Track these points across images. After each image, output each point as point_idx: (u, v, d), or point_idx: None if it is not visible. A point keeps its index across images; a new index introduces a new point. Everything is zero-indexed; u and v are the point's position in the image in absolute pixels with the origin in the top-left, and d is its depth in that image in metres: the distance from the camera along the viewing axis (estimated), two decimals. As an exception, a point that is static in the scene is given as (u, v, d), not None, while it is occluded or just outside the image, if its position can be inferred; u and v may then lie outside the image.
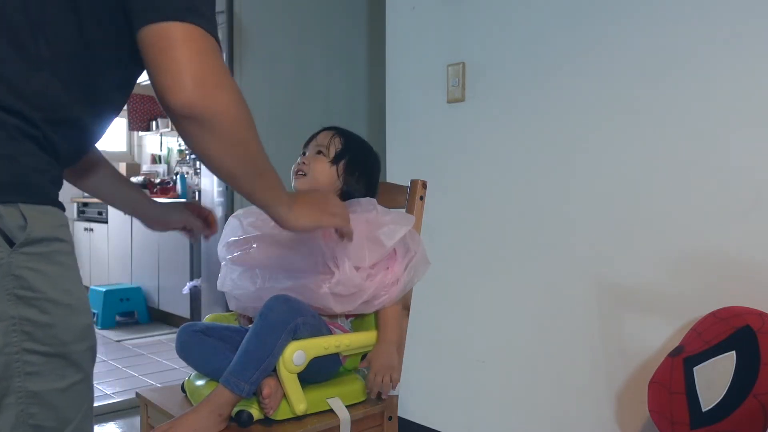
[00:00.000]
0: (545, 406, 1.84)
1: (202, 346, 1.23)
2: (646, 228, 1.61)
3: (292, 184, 1.35)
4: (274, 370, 1.12)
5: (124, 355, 3.53)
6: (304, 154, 1.37)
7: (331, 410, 1.21)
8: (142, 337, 3.92)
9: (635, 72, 1.63)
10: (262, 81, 3.03)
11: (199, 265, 3.69)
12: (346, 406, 1.22)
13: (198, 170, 4.34)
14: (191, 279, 3.79)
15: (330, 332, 1.24)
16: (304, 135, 1.42)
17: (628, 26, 1.65)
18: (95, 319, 4.22)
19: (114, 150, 5.61)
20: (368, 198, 1.33)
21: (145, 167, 5.52)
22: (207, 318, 1.42)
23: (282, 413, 1.15)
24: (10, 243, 0.77)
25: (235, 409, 1.12)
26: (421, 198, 1.38)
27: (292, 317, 1.12)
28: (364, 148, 1.39)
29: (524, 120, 1.88)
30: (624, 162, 1.66)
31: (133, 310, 4.32)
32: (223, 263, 1.35)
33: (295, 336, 1.13)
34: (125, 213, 1.36)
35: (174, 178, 4.90)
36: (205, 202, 3.46)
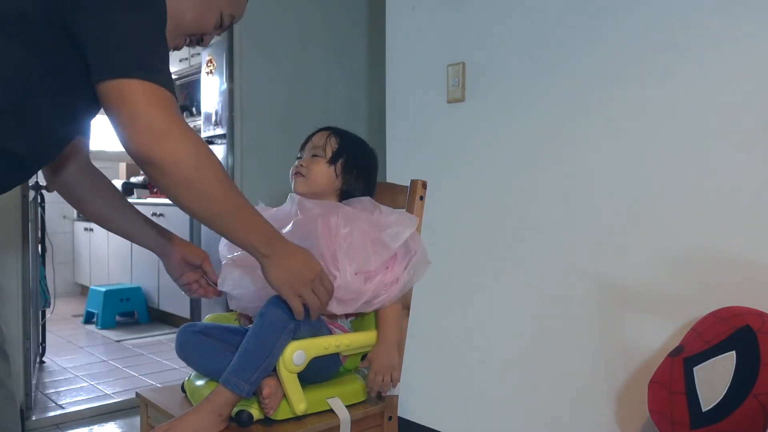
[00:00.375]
0: (545, 406, 1.84)
1: (202, 346, 1.23)
2: (646, 228, 1.61)
3: (292, 186, 1.36)
4: (274, 370, 1.12)
5: (124, 355, 3.53)
6: (300, 157, 1.37)
7: (331, 410, 1.21)
8: (142, 337, 3.92)
9: (635, 72, 1.63)
10: (262, 81, 3.03)
11: (199, 265, 3.68)
12: (346, 406, 1.22)
13: (198, 170, 4.33)
14: (191, 279, 3.78)
15: (330, 332, 1.24)
16: (304, 135, 1.42)
17: (628, 26, 1.65)
18: (95, 319, 4.22)
19: (114, 150, 5.60)
20: (368, 198, 1.34)
21: (145, 167, 5.51)
22: (207, 318, 1.42)
23: (282, 413, 1.15)
24: None
25: (235, 409, 1.12)
26: (421, 198, 1.38)
27: (291, 317, 1.12)
28: (360, 146, 1.39)
29: (524, 120, 1.88)
30: (624, 162, 1.66)
31: (133, 310, 4.32)
32: (223, 263, 1.35)
33: (295, 336, 1.13)
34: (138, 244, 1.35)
35: (174, 178, 4.89)
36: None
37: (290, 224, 1.29)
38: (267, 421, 1.14)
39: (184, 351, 1.26)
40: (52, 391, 2.84)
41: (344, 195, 1.35)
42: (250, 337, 1.12)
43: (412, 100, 2.21)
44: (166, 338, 3.89)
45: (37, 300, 2.82)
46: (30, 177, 1.10)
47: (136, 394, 1.36)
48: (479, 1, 2.00)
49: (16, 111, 0.95)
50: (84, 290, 5.13)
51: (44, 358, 3.33)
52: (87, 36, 0.91)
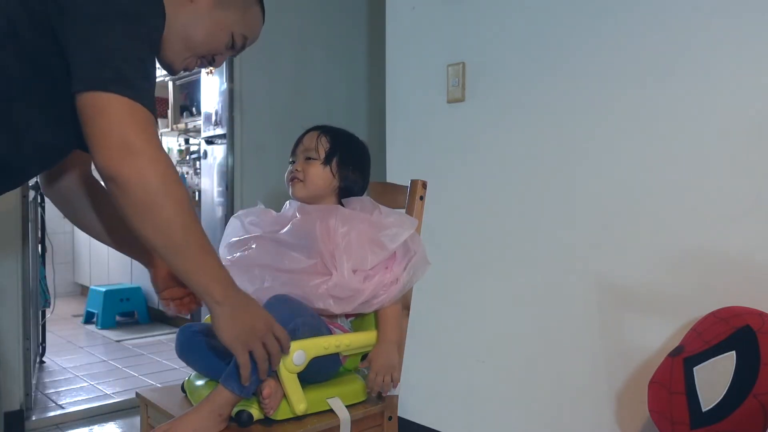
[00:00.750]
0: (545, 406, 1.84)
1: (202, 346, 1.23)
2: (646, 228, 1.61)
3: (289, 192, 1.35)
4: (275, 370, 1.12)
5: (124, 355, 3.53)
6: (293, 161, 1.36)
7: (331, 410, 1.21)
8: (142, 337, 3.92)
9: (635, 71, 1.63)
10: (262, 81, 3.03)
11: (199, 265, 3.68)
12: (346, 406, 1.22)
13: (198, 170, 4.33)
14: (191, 279, 3.78)
15: (330, 332, 1.24)
16: (305, 135, 1.42)
17: (628, 26, 1.65)
18: (95, 319, 4.22)
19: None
20: (368, 198, 1.34)
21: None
22: (207, 318, 1.42)
23: (282, 413, 1.15)
24: None
25: (235, 409, 1.12)
26: (421, 198, 1.38)
27: (291, 317, 1.12)
28: (351, 140, 1.39)
29: (524, 120, 1.88)
30: (624, 162, 1.66)
31: (133, 310, 4.31)
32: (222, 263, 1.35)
33: (295, 336, 1.13)
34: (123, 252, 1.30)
35: (174, 178, 4.89)
36: (205, 201, 3.47)
37: (288, 225, 1.29)
38: (267, 421, 1.14)
39: (183, 351, 1.26)
40: (52, 391, 2.84)
41: (343, 192, 1.35)
42: None
43: (412, 100, 2.21)
44: (166, 338, 3.89)
45: (37, 300, 2.82)
46: (17, 186, 1.07)
47: (136, 394, 1.36)
48: (479, 1, 2.00)
49: (0, 116, 0.94)
50: (84, 290, 5.13)
51: (44, 358, 3.33)
52: (72, 43, 0.90)
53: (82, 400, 2.71)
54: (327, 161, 1.32)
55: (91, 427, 2.46)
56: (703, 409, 1.26)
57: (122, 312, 4.26)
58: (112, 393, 2.80)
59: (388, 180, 2.21)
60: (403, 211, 1.37)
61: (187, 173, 4.85)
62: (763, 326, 1.27)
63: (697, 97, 1.52)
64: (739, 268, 1.46)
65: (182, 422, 1.07)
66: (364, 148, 1.40)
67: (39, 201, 2.94)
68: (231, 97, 3.00)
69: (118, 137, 0.86)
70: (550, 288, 1.82)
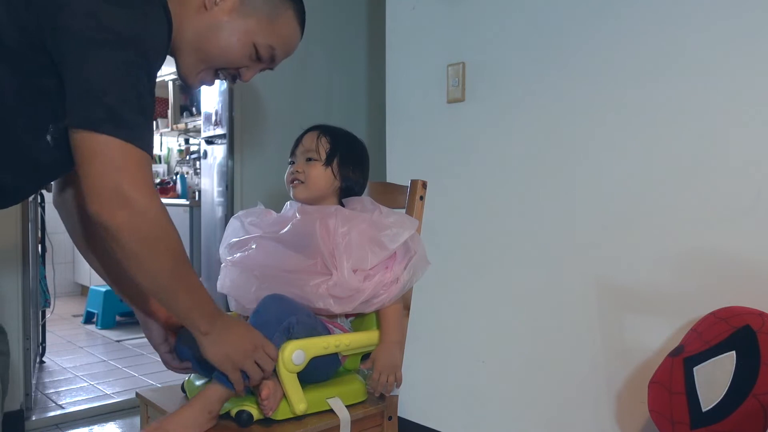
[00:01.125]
0: (545, 406, 1.84)
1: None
2: (647, 228, 1.61)
3: (290, 194, 1.34)
4: (274, 371, 1.12)
5: (124, 355, 3.53)
6: (292, 162, 1.35)
7: (331, 410, 1.21)
8: (142, 337, 3.88)
9: (635, 71, 1.63)
10: (262, 81, 3.03)
11: (199, 265, 3.69)
12: (346, 406, 1.22)
13: (198, 170, 4.33)
14: (191, 279, 3.78)
15: (328, 332, 1.24)
16: (305, 135, 1.41)
17: (628, 26, 1.65)
18: (95, 319, 4.22)
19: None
20: (368, 198, 1.34)
21: (145, 167, 5.51)
22: None
23: (282, 413, 1.15)
24: None
25: (235, 409, 1.12)
26: (421, 198, 1.38)
27: (285, 315, 1.12)
28: (351, 140, 1.38)
29: (524, 120, 1.88)
30: (624, 162, 1.66)
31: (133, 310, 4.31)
32: (222, 265, 1.35)
33: (290, 335, 1.13)
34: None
35: (174, 178, 4.91)
36: (205, 201, 3.47)
37: (288, 225, 1.29)
38: (267, 421, 1.14)
39: (182, 352, 1.26)
40: (52, 391, 2.84)
41: (344, 192, 1.35)
42: None
43: (412, 100, 2.21)
44: (166, 338, 3.89)
45: (37, 300, 2.82)
46: (14, 204, 1.05)
47: (136, 394, 1.36)
48: (479, 1, 2.00)
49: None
50: (84, 290, 5.13)
51: (44, 358, 3.33)
52: (65, 67, 0.85)
53: (82, 400, 2.71)
54: (328, 162, 1.32)
55: (91, 427, 2.46)
56: (703, 409, 1.26)
57: (122, 312, 4.26)
58: (112, 393, 2.80)
59: (388, 180, 2.21)
60: (403, 211, 1.37)
61: (187, 173, 4.86)
62: (763, 326, 1.27)
63: (698, 97, 1.52)
64: (739, 268, 1.46)
65: (173, 419, 1.06)
66: (363, 147, 1.40)
67: (39, 201, 2.94)
68: (231, 97, 3.00)
69: (110, 185, 0.84)
70: (550, 288, 1.82)
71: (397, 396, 1.32)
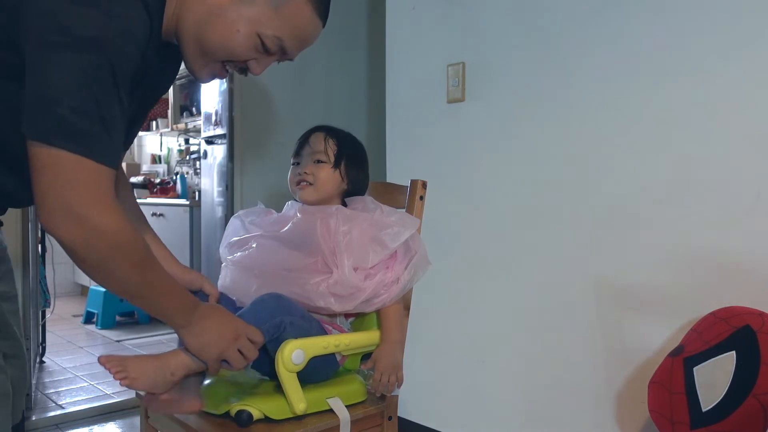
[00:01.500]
0: (545, 406, 1.84)
1: None
2: (647, 228, 1.61)
3: (297, 196, 1.34)
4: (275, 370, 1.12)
5: (124, 355, 3.52)
6: (297, 163, 1.34)
7: (331, 410, 1.21)
8: (142, 337, 3.91)
9: (635, 72, 1.63)
10: (262, 81, 3.03)
11: (199, 265, 3.69)
12: (346, 406, 1.22)
13: (198, 170, 4.33)
14: (191, 279, 3.78)
15: (324, 332, 1.24)
16: (305, 135, 1.41)
17: (629, 26, 1.64)
18: (95, 319, 4.22)
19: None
20: (370, 197, 1.34)
21: (145, 167, 5.52)
22: None
23: (282, 413, 1.15)
24: None
25: (235, 409, 1.12)
26: (421, 198, 1.38)
27: (279, 313, 1.12)
28: (353, 141, 1.38)
29: (524, 120, 1.88)
30: (624, 161, 1.66)
31: (133, 310, 4.31)
32: (223, 264, 1.35)
33: (280, 335, 1.13)
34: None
35: (174, 178, 4.90)
36: (205, 201, 3.47)
37: (289, 224, 1.29)
38: (267, 420, 1.14)
39: None
40: (52, 391, 2.83)
41: (348, 194, 1.35)
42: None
43: (412, 100, 2.21)
44: (166, 338, 3.89)
45: (37, 300, 2.82)
46: (23, 206, 1.04)
47: (136, 394, 1.36)
48: (479, 1, 1.99)
49: None
50: (84, 290, 5.13)
51: (44, 358, 3.33)
52: (27, 70, 0.79)
53: (82, 400, 2.71)
54: (337, 164, 1.32)
55: (91, 427, 2.46)
56: (703, 409, 1.26)
57: (122, 312, 4.26)
58: (112, 393, 2.80)
59: (388, 180, 2.21)
60: (403, 211, 1.37)
61: (187, 173, 4.86)
62: (763, 326, 1.27)
63: (698, 97, 1.52)
64: (739, 268, 1.46)
65: (135, 362, 1.00)
66: (363, 148, 1.40)
67: (39, 201, 2.93)
68: (231, 97, 3.00)
69: (62, 203, 0.79)
70: (550, 288, 1.82)
71: (397, 396, 1.32)
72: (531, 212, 1.87)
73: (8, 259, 1.09)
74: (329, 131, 1.35)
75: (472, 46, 2.01)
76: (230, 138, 3.04)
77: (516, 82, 1.90)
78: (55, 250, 3.16)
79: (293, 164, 1.36)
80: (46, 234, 3.18)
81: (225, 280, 1.33)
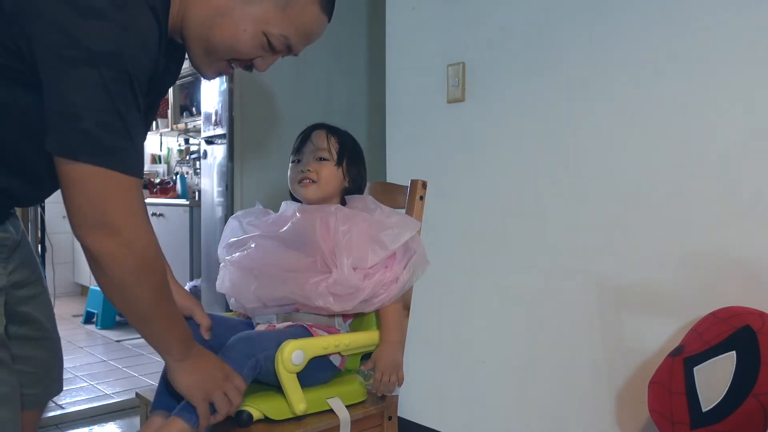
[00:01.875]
0: (545, 406, 1.84)
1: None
2: (647, 228, 1.61)
3: (299, 194, 1.33)
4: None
5: (124, 355, 3.53)
6: (298, 160, 1.33)
7: (331, 410, 1.21)
8: (142, 337, 3.91)
9: (635, 71, 1.63)
10: (262, 81, 3.03)
11: (198, 265, 3.69)
12: (346, 406, 1.22)
13: (198, 170, 4.33)
14: (191, 279, 3.79)
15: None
16: (305, 135, 1.41)
17: (629, 26, 1.64)
18: (95, 319, 4.22)
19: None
20: (370, 197, 1.34)
21: (145, 167, 5.52)
22: None
23: (282, 413, 1.15)
24: None
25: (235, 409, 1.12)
26: (421, 198, 1.38)
27: (253, 354, 1.11)
28: (352, 138, 1.38)
29: (524, 120, 1.88)
30: (624, 161, 1.66)
31: (133, 310, 4.31)
32: (221, 264, 1.35)
33: (260, 373, 1.12)
34: None
35: (174, 178, 4.91)
36: (205, 201, 3.47)
37: (288, 224, 1.29)
38: (267, 421, 1.14)
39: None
40: (52, 391, 2.83)
41: (348, 192, 1.35)
42: None
43: (412, 100, 2.21)
44: (166, 338, 3.89)
45: (37, 300, 2.81)
46: (13, 207, 1.03)
47: (136, 394, 1.36)
48: (479, 1, 1.99)
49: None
50: (84, 290, 5.13)
51: (44, 358, 3.32)
52: (43, 84, 0.80)
53: (82, 400, 2.71)
54: (339, 162, 1.31)
55: (91, 427, 2.46)
56: (703, 409, 1.26)
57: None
58: (112, 393, 2.80)
59: (388, 180, 2.21)
60: (403, 211, 1.37)
61: (187, 173, 4.86)
62: (763, 326, 1.27)
63: (698, 97, 1.52)
64: (739, 268, 1.46)
65: None
66: (360, 146, 1.40)
67: (39, 201, 2.93)
68: (231, 97, 3.00)
69: (94, 216, 0.81)
70: (550, 288, 1.82)
71: (397, 396, 1.32)
72: (531, 212, 1.87)
73: (27, 245, 1.08)
74: (330, 129, 1.35)
75: (472, 46, 2.01)
76: (230, 138, 3.04)
77: (516, 82, 1.90)
78: (55, 250, 3.16)
79: (293, 162, 1.34)
80: (46, 234, 3.18)
81: (224, 281, 1.32)
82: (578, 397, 1.76)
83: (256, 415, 1.12)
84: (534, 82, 1.85)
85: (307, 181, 1.30)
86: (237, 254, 1.31)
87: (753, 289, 1.42)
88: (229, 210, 2.97)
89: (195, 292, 3.50)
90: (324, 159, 1.31)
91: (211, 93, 3.36)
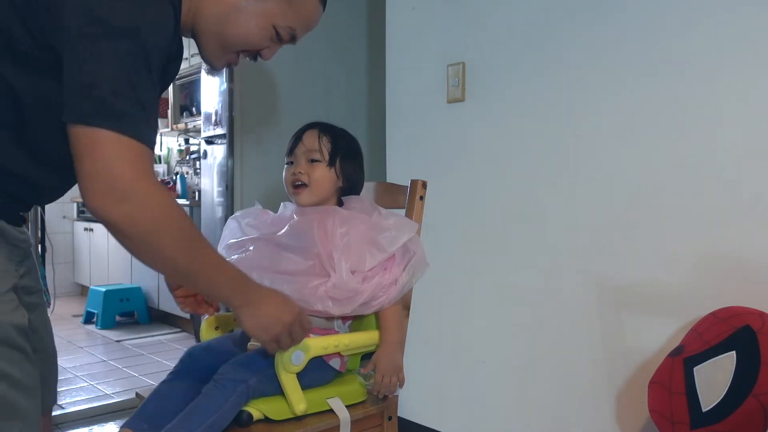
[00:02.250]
0: (545, 406, 1.84)
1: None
2: (647, 228, 1.61)
3: (294, 199, 1.32)
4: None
5: (124, 355, 3.53)
6: (291, 162, 1.32)
7: (331, 410, 1.21)
8: (142, 337, 3.92)
9: (635, 71, 1.63)
10: (262, 81, 3.03)
11: (199, 265, 3.68)
12: (346, 406, 1.22)
13: (198, 170, 4.33)
14: (191, 279, 3.78)
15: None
16: (305, 135, 1.40)
17: (629, 26, 1.64)
18: (95, 319, 4.22)
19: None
20: (368, 199, 1.33)
21: (145, 167, 5.51)
22: (206, 320, 1.41)
23: (282, 413, 1.15)
24: None
25: (235, 409, 1.12)
26: (421, 198, 1.38)
27: (243, 379, 1.11)
28: (347, 136, 1.35)
29: (524, 120, 1.88)
30: (624, 162, 1.66)
31: (133, 310, 4.31)
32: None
33: (253, 395, 1.12)
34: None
35: (174, 178, 4.90)
36: (205, 201, 3.47)
37: (286, 227, 1.28)
38: (267, 421, 1.14)
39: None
40: (52, 391, 2.83)
41: (344, 192, 1.34)
42: (201, 395, 1.10)
43: (412, 100, 2.21)
44: (166, 338, 3.89)
45: (37, 300, 2.81)
46: (41, 202, 1.04)
47: (136, 394, 1.36)
48: (479, 1, 2.00)
49: (11, 129, 0.89)
50: (84, 290, 5.13)
51: (44, 358, 3.32)
52: (65, 63, 0.83)
53: (82, 400, 2.71)
54: (332, 162, 1.29)
55: (91, 427, 2.46)
56: (703, 409, 1.26)
57: (122, 312, 4.26)
58: (112, 393, 2.80)
59: (388, 180, 2.21)
60: (403, 211, 1.37)
61: (187, 173, 4.86)
62: (763, 326, 1.27)
63: (698, 97, 1.52)
64: (739, 268, 1.46)
65: None
66: (358, 144, 1.38)
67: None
68: (231, 97, 3.00)
69: (106, 180, 0.81)
70: (550, 288, 1.82)
71: (397, 396, 1.32)
72: (531, 212, 1.87)
73: (32, 256, 1.10)
74: (323, 128, 1.32)
75: (472, 46, 2.01)
76: (230, 138, 3.04)
77: (516, 82, 1.90)
78: (55, 250, 3.16)
79: (287, 164, 1.33)
80: (46, 234, 3.18)
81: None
82: (578, 397, 1.76)
83: (256, 415, 1.12)
84: (534, 82, 1.85)
85: (299, 184, 1.29)
86: (235, 256, 1.30)
87: (753, 289, 1.42)
88: (229, 210, 2.97)
89: (195, 292, 3.49)
90: (315, 160, 1.29)
91: (211, 93, 3.36)
